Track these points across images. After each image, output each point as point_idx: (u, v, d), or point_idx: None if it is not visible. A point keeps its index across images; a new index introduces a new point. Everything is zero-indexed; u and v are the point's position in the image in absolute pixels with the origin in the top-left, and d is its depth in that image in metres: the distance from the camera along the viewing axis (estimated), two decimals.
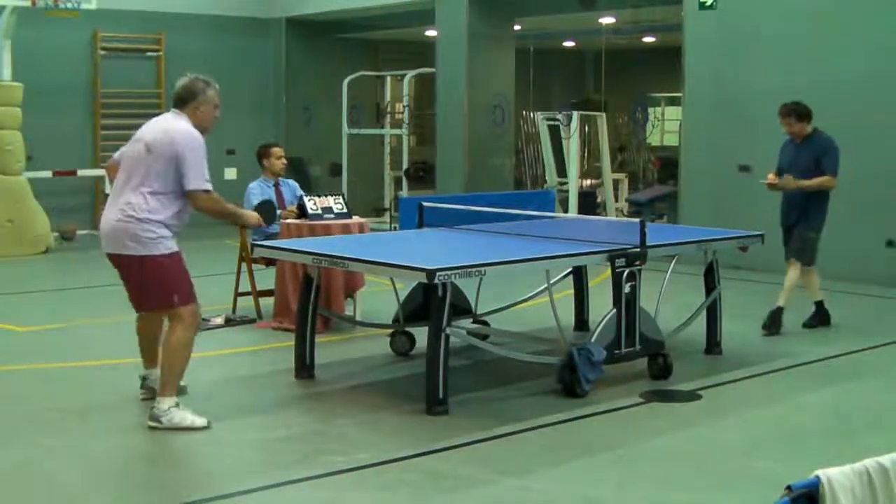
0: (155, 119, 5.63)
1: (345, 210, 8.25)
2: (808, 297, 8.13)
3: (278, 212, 8.45)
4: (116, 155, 5.72)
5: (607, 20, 17.13)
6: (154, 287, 5.42)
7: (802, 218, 7.90)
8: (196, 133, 5.39)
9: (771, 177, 8.04)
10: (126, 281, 5.54)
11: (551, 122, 14.77)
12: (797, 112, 7.95)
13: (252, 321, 8.33)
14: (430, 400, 5.69)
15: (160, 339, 5.73)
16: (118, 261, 5.45)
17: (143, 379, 5.94)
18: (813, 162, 7.88)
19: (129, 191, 5.36)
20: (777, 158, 8.22)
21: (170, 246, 5.40)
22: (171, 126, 5.40)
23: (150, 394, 5.80)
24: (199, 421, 5.40)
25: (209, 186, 5.40)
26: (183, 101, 5.48)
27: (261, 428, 5.57)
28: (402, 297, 7.03)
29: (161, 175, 5.31)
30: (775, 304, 7.90)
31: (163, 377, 5.46)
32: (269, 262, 8.42)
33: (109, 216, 5.40)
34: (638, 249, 6.37)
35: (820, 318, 8.15)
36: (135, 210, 5.30)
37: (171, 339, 5.44)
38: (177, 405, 5.41)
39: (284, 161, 8.96)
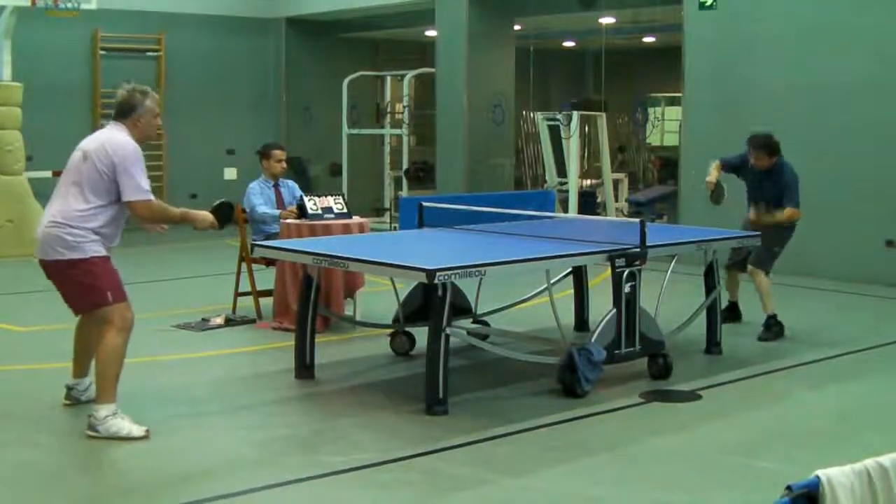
0: (98, 130, 5.68)
1: (345, 210, 8.26)
2: (730, 295, 8.14)
3: (276, 212, 8.46)
4: None
5: (607, 20, 17.12)
6: (86, 287, 5.38)
7: (771, 228, 7.88)
8: (133, 145, 5.42)
9: (715, 167, 8.13)
10: (60, 286, 5.51)
11: (551, 122, 14.77)
12: (768, 147, 7.91)
13: (252, 321, 8.33)
14: (430, 400, 5.69)
15: (94, 352, 5.68)
16: (50, 267, 5.42)
17: (69, 389, 5.87)
18: (776, 193, 7.91)
19: (62, 198, 5.40)
20: (736, 158, 8.24)
21: (98, 250, 5.37)
22: (109, 138, 5.44)
23: (74, 402, 5.81)
24: (137, 430, 5.30)
25: (149, 196, 5.40)
26: (122, 113, 5.54)
27: (261, 428, 5.58)
28: (402, 297, 7.03)
29: (94, 184, 5.34)
30: (766, 315, 7.83)
31: (98, 385, 5.39)
32: (269, 262, 8.42)
33: (42, 223, 5.44)
34: (638, 249, 6.37)
35: (733, 316, 8.21)
36: (65, 217, 5.33)
37: (102, 345, 5.36)
38: (114, 414, 5.32)
39: (284, 165, 8.93)
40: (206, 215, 5.75)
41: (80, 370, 5.88)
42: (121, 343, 5.37)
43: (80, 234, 5.31)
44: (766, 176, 7.97)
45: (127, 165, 5.32)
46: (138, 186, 5.34)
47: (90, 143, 5.51)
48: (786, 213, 7.82)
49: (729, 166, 8.21)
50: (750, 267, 7.91)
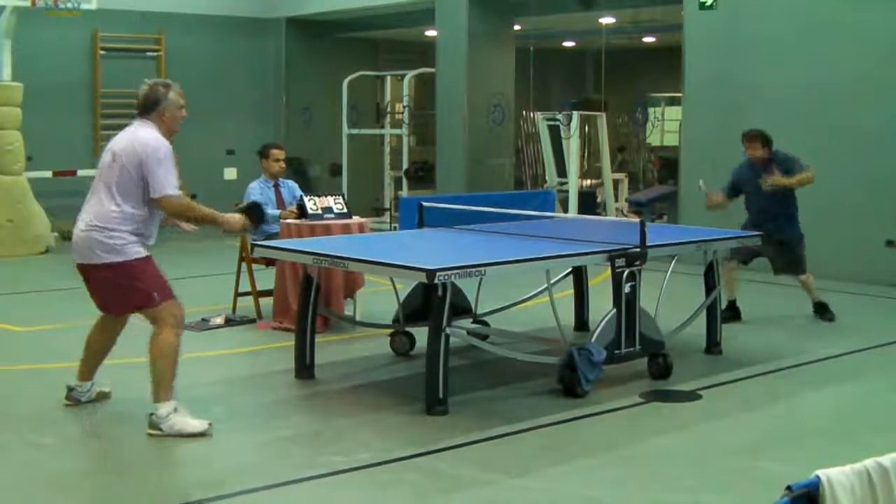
0: (124, 129, 5.61)
1: (345, 210, 8.26)
2: (728, 293, 8.18)
3: (276, 212, 8.46)
4: None
5: (607, 20, 17.12)
6: (129, 289, 5.38)
7: (783, 231, 7.96)
8: (161, 140, 5.39)
9: (715, 197, 8.21)
10: (99, 290, 5.49)
11: (551, 122, 14.77)
12: (763, 137, 8.10)
13: (252, 321, 8.33)
14: (429, 400, 5.69)
15: (106, 355, 5.78)
16: (90, 271, 5.42)
17: (70, 389, 5.83)
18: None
19: (96, 201, 5.39)
20: (730, 179, 8.32)
21: (138, 251, 5.37)
22: (137, 136, 5.40)
23: (74, 403, 5.79)
24: (200, 425, 5.34)
25: (175, 192, 5.38)
26: (147, 109, 5.49)
27: (261, 428, 5.57)
28: (402, 298, 7.03)
29: (126, 184, 5.32)
30: (813, 302, 8.24)
31: (155, 383, 5.36)
32: (269, 263, 8.42)
33: (78, 226, 5.42)
34: (638, 249, 6.37)
35: (733, 315, 8.27)
36: (102, 219, 5.31)
37: (157, 343, 5.35)
38: (175, 410, 5.34)
39: (282, 164, 8.92)
40: (238, 218, 5.73)
41: (87, 373, 5.83)
42: (175, 340, 5.37)
43: (118, 235, 5.29)
44: (764, 170, 8.01)
45: (153, 162, 5.29)
46: (164, 182, 5.30)
47: (118, 143, 5.46)
48: (802, 175, 7.95)
49: (728, 192, 8.26)
50: (801, 277, 8.20)
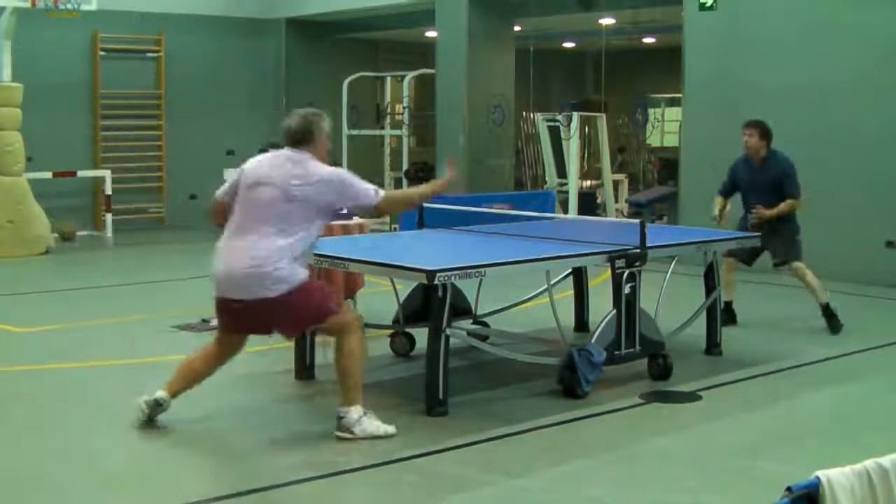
0: (272, 159, 5.46)
1: (345, 211, 8.23)
2: (725, 295, 8.10)
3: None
4: (221, 194, 5.55)
5: (607, 21, 17.14)
6: (305, 309, 5.30)
7: (777, 229, 7.91)
8: (329, 167, 5.37)
9: (720, 203, 8.14)
10: (261, 321, 5.35)
11: (551, 123, 14.78)
12: (760, 127, 8.05)
13: None
14: (430, 400, 5.69)
15: (204, 378, 5.58)
16: (255, 305, 5.21)
17: (159, 404, 5.44)
18: (773, 184, 7.95)
19: (253, 235, 5.21)
20: (726, 178, 8.26)
21: (304, 274, 5.26)
22: (306, 167, 5.28)
23: (148, 417, 5.41)
24: (391, 429, 5.32)
25: (380, 191, 5.37)
26: (302, 141, 5.40)
27: (261, 427, 5.57)
28: (402, 298, 7.03)
29: (293, 215, 5.21)
30: (819, 304, 7.99)
31: (346, 386, 5.31)
32: None
33: (238, 263, 5.19)
34: (638, 250, 6.37)
35: (729, 318, 8.16)
36: (266, 255, 5.15)
37: (344, 350, 5.30)
38: (365, 414, 5.30)
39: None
40: (440, 183, 5.92)
41: (177, 390, 5.50)
42: (360, 344, 5.36)
43: (284, 266, 5.15)
44: (760, 170, 7.99)
45: (346, 183, 5.29)
46: (366, 189, 5.31)
47: (279, 175, 5.29)
48: (788, 202, 7.86)
49: (726, 188, 8.23)
50: (794, 265, 7.97)
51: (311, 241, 5.31)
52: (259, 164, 5.47)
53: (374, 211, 5.48)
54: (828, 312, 7.97)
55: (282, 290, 5.15)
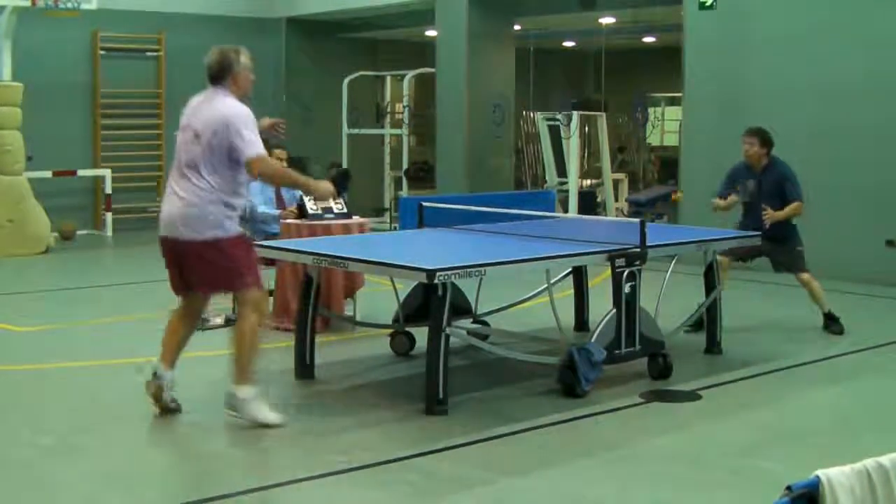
0: (196, 101, 5.55)
1: (345, 210, 8.25)
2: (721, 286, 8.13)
3: (276, 212, 8.47)
4: None
5: (607, 20, 17.13)
6: (226, 267, 5.39)
7: (779, 236, 7.89)
8: (241, 106, 5.41)
9: (720, 202, 8.12)
10: (191, 266, 5.44)
11: (551, 122, 14.77)
12: (761, 133, 8.04)
13: None
14: (429, 400, 5.69)
15: (186, 343, 5.72)
16: (186, 246, 5.36)
17: (157, 376, 5.62)
18: (775, 190, 7.93)
19: (190, 177, 5.35)
20: (724, 179, 8.23)
21: (237, 228, 5.43)
22: (216, 105, 5.40)
23: (156, 390, 5.57)
24: (275, 417, 5.40)
25: (263, 152, 5.39)
26: (220, 76, 5.48)
27: (260, 427, 5.57)
28: (402, 298, 7.03)
29: (216, 156, 5.32)
30: (822, 313, 7.99)
31: (238, 366, 5.40)
32: (269, 263, 8.41)
33: (175, 202, 5.36)
34: (638, 249, 6.37)
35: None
36: (197, 195, 5.30)
37: (242, 325, 5.41)
38: (254, 397, 5.39)
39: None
40: (327, 185, 5.80)
41: (172, 360, 5.68)
42: (257, 327, 5.42)
43: (216, 210, 5.30)
44: (761, 176, 7.98)
45: (239, 127, 5.30)
46: (253, 143, 5.32)
47: (197, 118, 5.42)
48: (792, 206, 7.84)
49: (724, 191, 8.20)
50: (803, 276, 7.96)
51: (236, 185, 5.38)
52: (188, 107, 5.58)
53: (251, 169, 5.37)
54: (831, 317, 7.98)
55: (209, 236, 5.29)
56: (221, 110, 5.35)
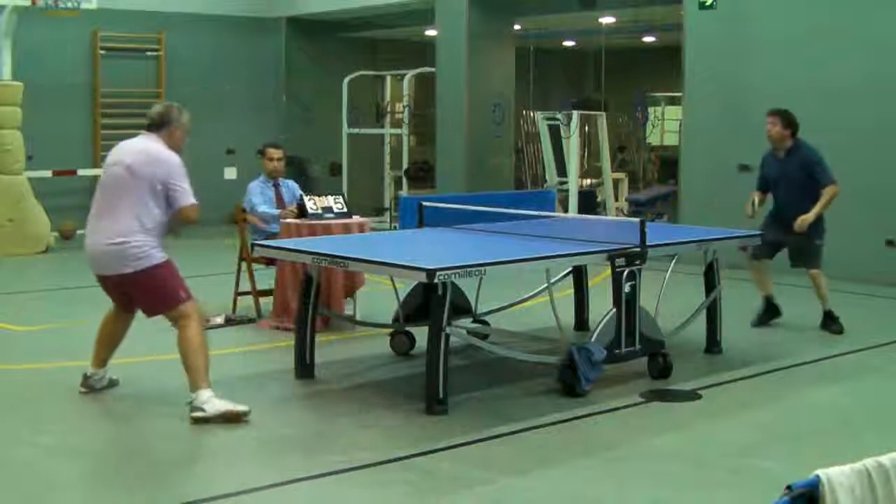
0: (128, 143, 5.90)
1: (345, 210, 8.25)
2: (762, 290, 8.15)
3: (276, 212, 8.49)
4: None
5: (607, 20, 17.13)
6: (159, 292, 5.66)
7: (800, 234, 7.83)
8: (175, 156, 5.75)
9: (757, 198, 8.04)
10: (129, 294, 5.78)
11: (551, 122, 14.76)
12: (784, 116, 7.94)
13: (252, 321, 8.33)
14: (429, 400, 5.69)
15: (118, 345, 6.05)
16: (115, 280, 5.69)
17: (87, 377, 6.04)
18: (802, 173, 7.83)
19: (114, 214, 5.63)
20: (758, 173, 8.20)
21: (162, 255, 5.67)
22: (150, 149, 5.73)
23: (89, 390, 6.01)
24: (240, 406, 5.52)
25: (195, 200, 5.74)
26: (158, 125, 5.82)
27: (260, 427, 5.57)
28: (401, 297, 7.03)
29: (146, 196, 5.60)
30: (822, 311, 7.97)
31: (191, 375, 5.56)
32: (269, 262, 8.42)
33: (98, 240, 5.67)
34: (638, 249, 6.37)
35: (772, 312, 8.22)
36: (123, 233, 5.56)
37: (187, 338, 5.59)
38: (213, 395, 5.52)
39: (277, 164, 8.89)
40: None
41: (100, 361, 6.06)
42: (202, 333, 5.65)
43: (140, 243, 5.57)
44: (786, 161, 7.88)
45: (178, 175, 5.66)
46: (189, 192, 5.68)
47: (128, 155, 5.73)
48: (827, 192, 7.72)
49: (760, 184, 8.13)
50: (813, 272, 7.90)
51: (160, 221, 5.66)
52: (117, 147, 5.91)
53: (186, 215, 5.72)
54: (831, 316, 7.96)
55: (137, 267, 5.56)
56: (159, 155, 5.69)
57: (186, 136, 5.94)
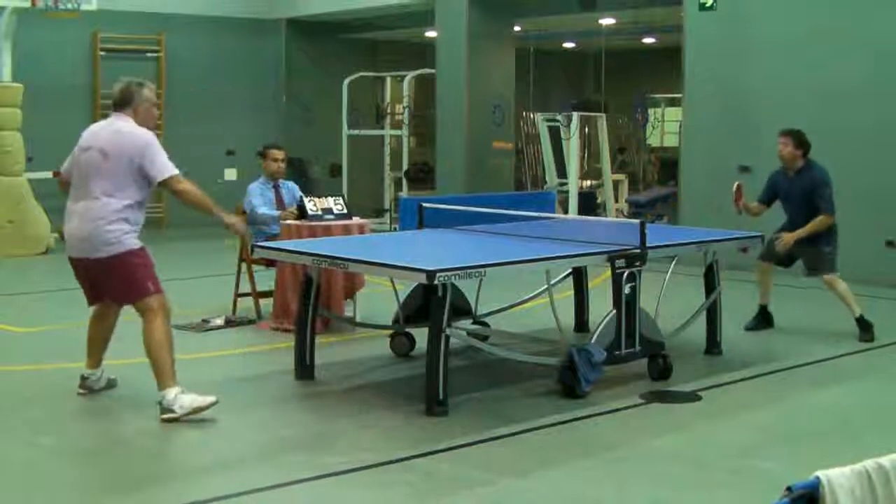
0: (99, 125, 5.94)
1: (345, 211, 8.25)
2: (760, 297, 8.10)
3: (276, 213, 8.49)
4: (65, 167, 6.03)
5: (607, 21, 17.14)
6: (128, 280, 5.64)
7: (809, 241, 7.75)
8: (145, 130, 5.70)
9: (754, 206, 8.03)
10: (98, 281, 5.75)
11: (551, 123, 14.77)
12: (796, 137, 7.85)
13: (252, 322, 8.33)
14: (429, 400, 5.69)
15: (108, 342, 6.06)
16: (90, 264, 5.66)
17: (84, 378, 6.07)
18: (806, 195, 7.78)
19: (94, 196, 5.61)
20: (764, 186, 8.17)
21: (135, 242, 5.65)
22: (122, 128, 5.71)
23: (88, 391, 6.04)
24: (209, 399, 5.53)
25: (177, 171, 5.66)
26: (121, 104, 5.80)
27: (261, 428, 5.58)
28: (401, 298, 7.03)
29: (121, 176, 5.59)
30: (853, 317, 7.82)
31: (157, 372, 5.56)
32: (269, 263, 8.42)
33: (77, 224, 5.67)
34: (638, 250, 6.37)
35: (765, 321, 8.16)
36: (99, 215, 5.56)
37: (152, 334, 5.58)
38: (182, 391, 5.52)
39: (280, 165, 8.88)
40: (240, 223, 6.20)
41: (94, 361, 6.07)
42: (168, 329, 5.63)
43: (118, 227, 5.55)
44: (795, 180, 7.84)
45: (151, 149, 5.59)
46: (167, 164, 5.61)
47: (100, 139, 5.71)
48: (819, 221, 7.65)
49: (763, 197, 8.08)
50: (826, 278, 7.80)
51: (138, 205, 5.66)
52: (89, 131, 5.89)
53: (169, 188, 5.72)
54: (862, 324, 7.80)
55: (111, 252, 5.55)
56: (130, 133, 5.66)
57: (154, 109, 5.90)
